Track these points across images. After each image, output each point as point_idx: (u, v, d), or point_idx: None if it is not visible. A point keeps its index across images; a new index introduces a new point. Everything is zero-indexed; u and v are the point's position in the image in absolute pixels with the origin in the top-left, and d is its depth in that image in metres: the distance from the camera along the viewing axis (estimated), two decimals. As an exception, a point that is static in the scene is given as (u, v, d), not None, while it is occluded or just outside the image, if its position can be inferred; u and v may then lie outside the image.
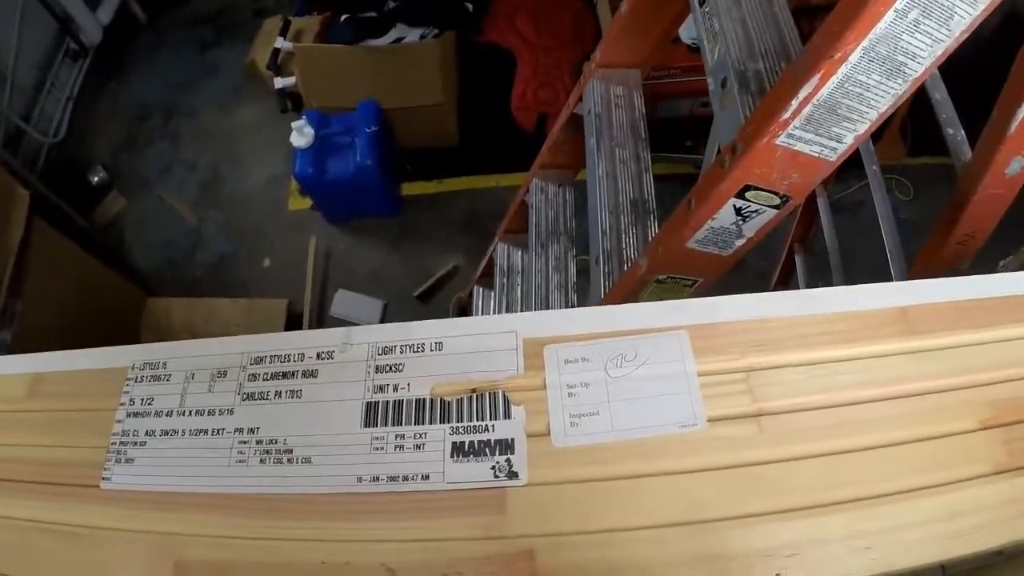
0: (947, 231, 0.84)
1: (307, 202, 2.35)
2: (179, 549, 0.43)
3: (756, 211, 0.70)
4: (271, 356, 0.49)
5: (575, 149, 1.15)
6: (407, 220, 2.35)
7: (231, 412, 0.48)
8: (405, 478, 0.43)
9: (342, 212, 2.31)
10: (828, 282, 1.11)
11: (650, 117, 1.05)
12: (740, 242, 0.75)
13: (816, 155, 0.63)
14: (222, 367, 0.49)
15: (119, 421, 0.49)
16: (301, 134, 2.03)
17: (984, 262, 0.89)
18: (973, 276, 0.49)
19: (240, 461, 0.46)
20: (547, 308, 1.11)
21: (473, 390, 0.46)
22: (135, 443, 0.47)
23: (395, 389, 0.47)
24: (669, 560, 0.40)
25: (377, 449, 0.45)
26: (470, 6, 2.28)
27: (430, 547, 0.41)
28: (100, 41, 2.72)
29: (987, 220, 0.82)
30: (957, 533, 0.39)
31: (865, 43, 0.53)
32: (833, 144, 0.62)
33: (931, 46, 0.54)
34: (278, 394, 0.48)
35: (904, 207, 2.11)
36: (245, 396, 0.48)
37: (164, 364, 0.51)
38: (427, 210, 2.37)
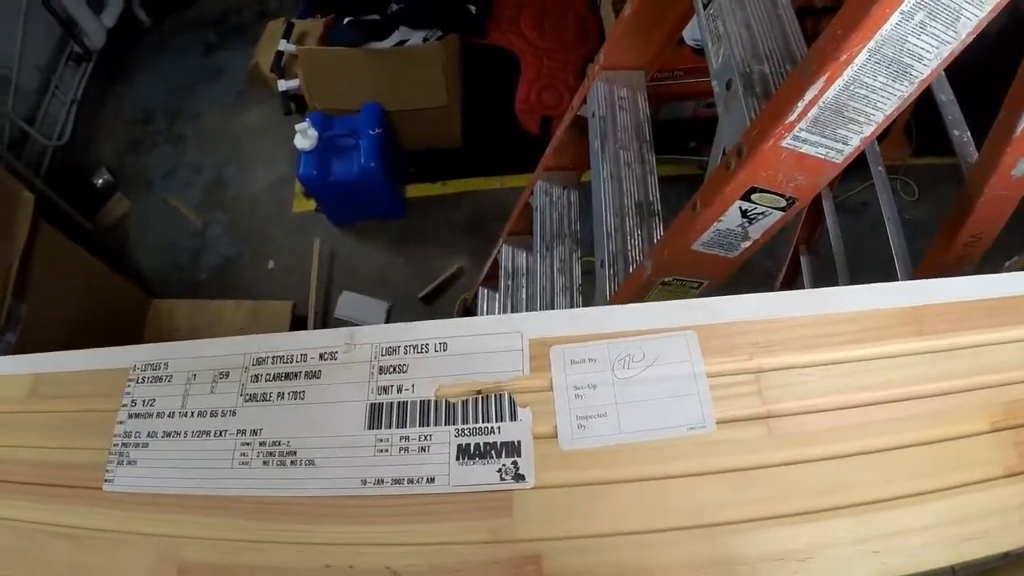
0: (953, 232, 0.83)
1: (311, 204, 2.35)
2: (182, 552, 0.43)
3: (762, 213, 0.69)
4: (273, 356, 0.49)
5: (579, 151, 1.15)
6: (411, 222, 2.35)
7: (233, 413, 0.47)
8: (410, 481, 0.43)
9: (346, 214, 2.31)
10: (834, 283, 1.10)
11: (654, 119, 1.04)
12: (746, 244, 0.75)
13: (822, 157, 0.62)
14: (224, 368, 0.49)
15: (121, 422, 0.48)
16: (305, 136, 2.03)
17: (987, 263, 0.88)
18: (982, 275, 0.48)
19: (243, 463, 0.45)
20: (552, 310, 1.11)
21: (478, 391, 0.45)
22: (137, 444, 0.47)
23: (399, 390, 0.46)
24: (678, 564, 0.39)
25: (381, 451, 0.44)
26: (473, 8, 2.28)
27: (436, 551, 0.41)
28: (104, 44, 2.72)
29: (994, 221, 0.82)
30: (967, 537, 0.39)
31: (871, 45, 0.53)
32: (839, 146, 0.62)
33: (937, 48, 0.53)
34: (281, 395, 0.47)
35: (909, 208, 2.10)
36: (247, 397, 0.48)
37: (165, 365, 0.50)
38: (431, 212, 2.36)
